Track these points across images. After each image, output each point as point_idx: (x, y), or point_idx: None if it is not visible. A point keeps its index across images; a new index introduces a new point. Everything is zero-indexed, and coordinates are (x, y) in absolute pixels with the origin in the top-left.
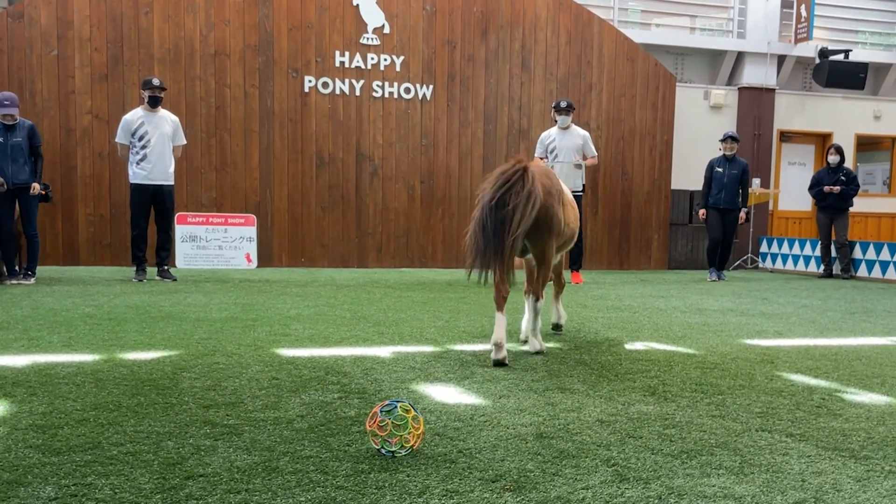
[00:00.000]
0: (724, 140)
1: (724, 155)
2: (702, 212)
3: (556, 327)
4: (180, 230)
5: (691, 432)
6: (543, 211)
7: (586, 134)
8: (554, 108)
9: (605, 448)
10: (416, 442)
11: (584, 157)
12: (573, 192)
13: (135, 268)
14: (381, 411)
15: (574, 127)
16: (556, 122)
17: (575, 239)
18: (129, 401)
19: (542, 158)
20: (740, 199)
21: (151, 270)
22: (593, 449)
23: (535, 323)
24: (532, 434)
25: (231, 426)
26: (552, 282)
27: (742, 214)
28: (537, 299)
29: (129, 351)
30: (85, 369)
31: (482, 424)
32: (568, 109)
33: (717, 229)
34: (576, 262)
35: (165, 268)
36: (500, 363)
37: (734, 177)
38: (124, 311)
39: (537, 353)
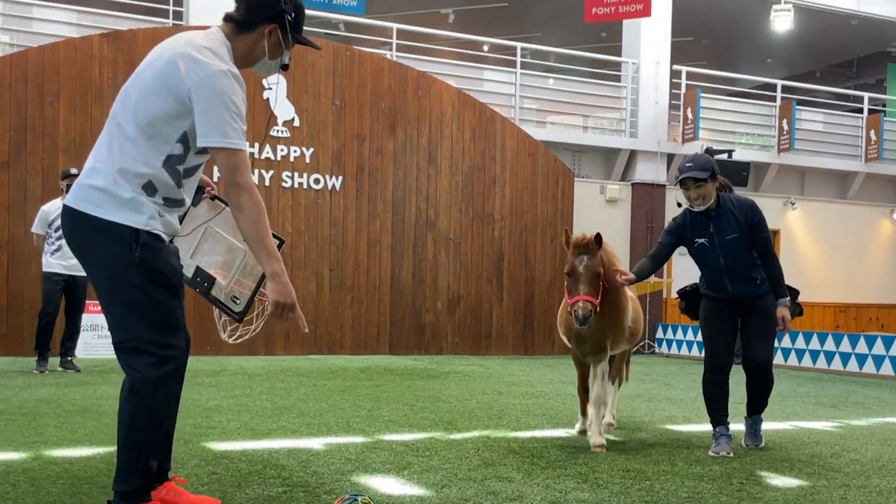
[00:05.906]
0: (682, 182)
1: (689, 210)
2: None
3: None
4: (82, 319)
5: None
6: None
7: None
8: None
9: None
10: None
11: None
12: None
13: (37, 357)
14: None
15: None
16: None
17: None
18: (70, 500)
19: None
20: (760, 279)
21: (52, 360)
22: None
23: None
24: None
25: None
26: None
27: (784, 311)
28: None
29: (55, 448)
30: (15, 468)
31: None
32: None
33: (725, 340)
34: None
35: (69, 358)
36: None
37: (736, 243)
38: (35, 405)
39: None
